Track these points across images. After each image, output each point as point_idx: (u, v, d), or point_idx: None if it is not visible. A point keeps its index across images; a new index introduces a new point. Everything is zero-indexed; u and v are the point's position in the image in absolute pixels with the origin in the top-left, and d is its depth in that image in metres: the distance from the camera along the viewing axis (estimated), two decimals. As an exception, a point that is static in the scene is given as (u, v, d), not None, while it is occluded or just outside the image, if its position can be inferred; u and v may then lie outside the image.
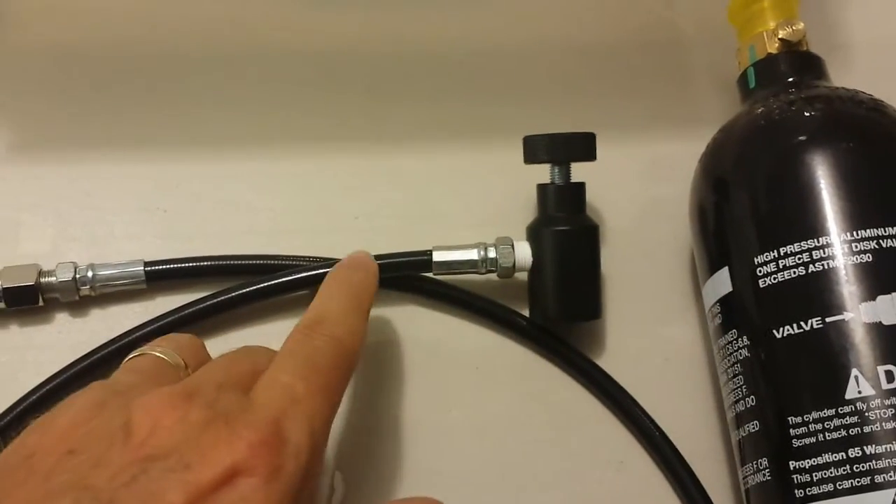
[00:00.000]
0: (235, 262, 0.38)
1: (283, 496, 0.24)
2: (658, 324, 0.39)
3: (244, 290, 0.37)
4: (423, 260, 0.37)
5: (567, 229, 0.36)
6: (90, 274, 0.37)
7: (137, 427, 0.24)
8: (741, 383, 0.33)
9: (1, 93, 0.41)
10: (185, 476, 0.23)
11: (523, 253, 0.37)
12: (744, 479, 0.33)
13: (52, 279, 0.36)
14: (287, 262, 0.37)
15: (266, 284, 0.37)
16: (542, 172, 0.38)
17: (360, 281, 0.33)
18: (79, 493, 0.23)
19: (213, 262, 0.38)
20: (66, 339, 0.37)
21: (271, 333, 0.37)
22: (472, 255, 0.37)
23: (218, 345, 0.35)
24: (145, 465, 0.23)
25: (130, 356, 0.30)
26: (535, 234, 0.37)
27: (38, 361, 0.36)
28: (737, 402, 0.33)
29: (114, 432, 0.24)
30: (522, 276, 0.38)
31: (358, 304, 0.32)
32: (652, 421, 0.37)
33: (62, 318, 0.37)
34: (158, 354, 0.29)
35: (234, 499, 0.23)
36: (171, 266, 0.37)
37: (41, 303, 0.36)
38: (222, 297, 0.37)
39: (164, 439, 0.24)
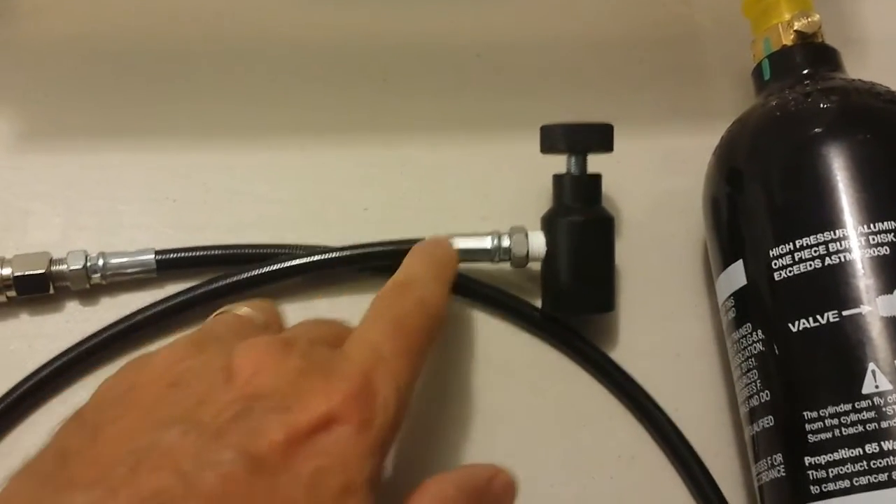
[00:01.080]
0: (246, 251, 0.37)
1: (371, 446, 0.25)
2: (670, 318, 0.38)
3: (248, 275, 0.36)
4: None
5: (582, 220, 0.36)
6: (101, 262, 0.36)
7: (239, 369, 0.25)
8: (755, 378, 0.32)
9: (13, 82, 0.40)
10: (285, 417, 0.24)
11: (537, 242, 0.36)
12: (757, 475, 0.32)
13: (63, 267, 0.35)
14: (296, 252, 0.37)
15: (274, 268, 0.36)
16: (555, 167, 0.37)
17: (442, 255, 0.34)
18: (186, 426, 0.23)
19: (223, 251, 0.37)
20: (76, 327, 0.36)
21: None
22: (486, 243, 0.36)
23: None
24: (248, 403, 0.24)
25: (216, 313, 0.31)
26: (549, 224, 0.36)
27: (49, 350, 0.35)
28: (750, 396, 0.32)
29: (215, 372, 0.25)
30: (535, 266, 0.37)
31: (443, 273, 0.32)
32: (665, 415, 0.36)
33: (72, 307, 0.37)
34: (242, 313, 0.31)
35: (328, 444, 0.24)
36: (182, 255, 0.36)
37: (52, 291, 0.36)
38: (232, 279, 0.36)
39: (265, 382, 0.25)
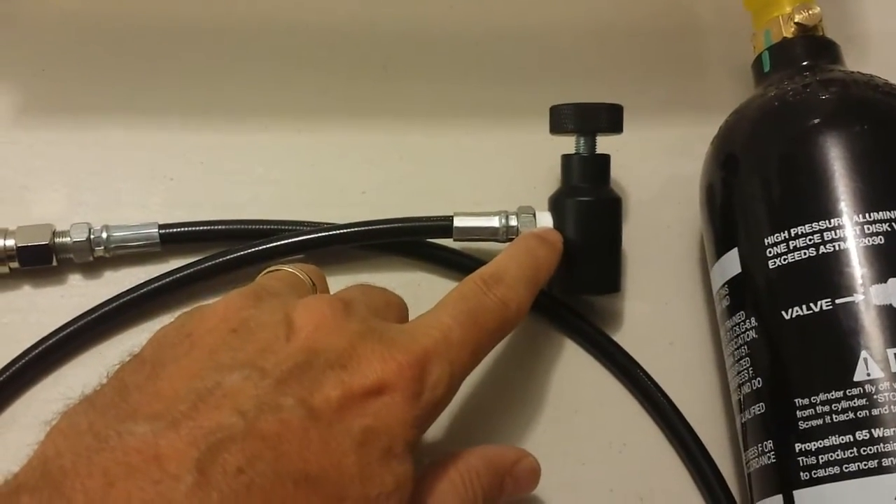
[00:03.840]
0: (250, 226, 0.36)
1: (416, 420, 0.25)
2: (664, 306, 0.37)
3: (252, 250, 0.35)
4: (443, 225, 0.35)
5: (591, 200, 0.35)
6: (105, 235, 0.35)
7: (300, 323, 0.25)
8: (748, 365, 0.31)
9: (12, 58, 0.40)
10: (341, 375, 0.24)
11: (545, 222, 0.35)
12: (747, 462, 0.32)
13: (67, 239, 0.35)
14: (301, 229, 0.36)
15: (274, 245, 0.35)
16: (552, 153, 0.36)
17: (544, 256, 0.33)
18: (248, 371, 0.24)
19: (227, 227, 0.36)
20: (78, 301, 0.35)
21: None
22: (494, 222, 0.35)
23: None
24: (308, 356, 0.24)
25: (267, 270, 0.31)
26: (557, 204, 0.35)
27: (54, 323, 0.34)
28: (743, 384, 0.32)
29: (276, 324, 0.25)
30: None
31: (535, 277, 0.32)
32: (668, 399, 0.35)
33: (75, 280, 0.36)
34: (293, 271, 0.31)
35: (378, 407, 0.24)
36: (186, 229, 0.36)
37: (55, 263, 0.35)
38: (237, 254, 0.35)
39: (324, 339, 0.25)
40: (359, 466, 0.23)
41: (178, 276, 0.35)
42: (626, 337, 0.37)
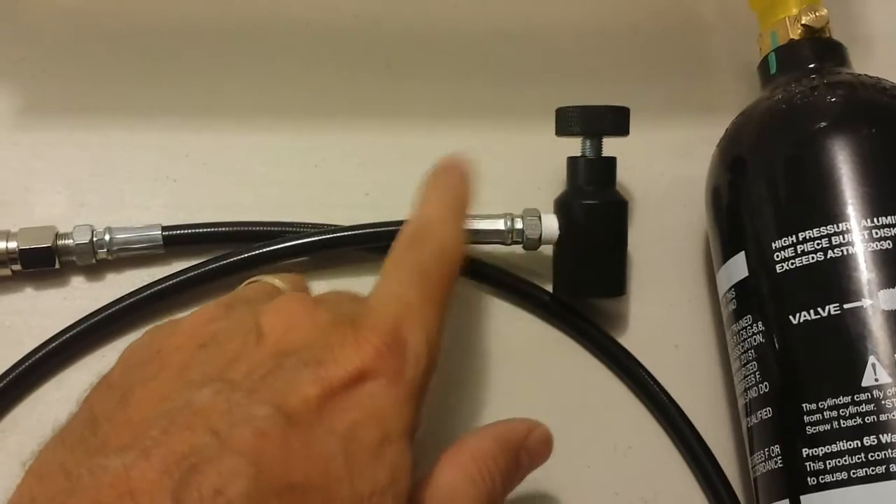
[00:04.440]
0: (253, 228, 0.36)
1: (406, 396, 0.24)
2: (669, 309, 0.37)
3: (256, 252, 0.35)
4: None
5: (597, 203, 0.35)
6: (107, 237, 0.35)
7: (269, 327, 0.25)
8: (755, 369, 0.31)
9: (13, 58, 0.39)
10: (318, 371, 0.23)
11: (550, 225, 0.35)
12: (753, 467, 0.31)
13: (69, 241, 0.35)
14: (305, 231, 0.36)
15: (277, 247, 0.35)
16: (557, 155, 0.36)
17: (457, 186, 0.31)
18: (218, 385, 0.23)
19: (231, 228, 0.36)
20: (81, 304, 0.35)
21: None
22: (499, 224, 0.35)
23: None
24: (280, 359, 0.24)
25: (247, 282, 0.30)
26: (563, 206, 0.35)
27: (56, 326, 0.34)
28: (749, 388, 0.31)
29: (246, 332, 0.25)
30: (547, 250, 0.36)
31: (458, 208, 0.30)
32: (673, 402, 0.35)
33: (78, 282, 0.36)
34: (272, 282, 0.30)
35: (362, 397, 0.23)
36: (189, 231, 0.36)
37: (57, 265, 0.35)
38: (241, 256, 0.35)
39: (296, 338, 0.24)
40: (347, 467, 0.22)
41: (181, 278, 0.35)
42: (632, 340, 0.36)
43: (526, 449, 0.28)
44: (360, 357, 0.24)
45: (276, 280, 0.30)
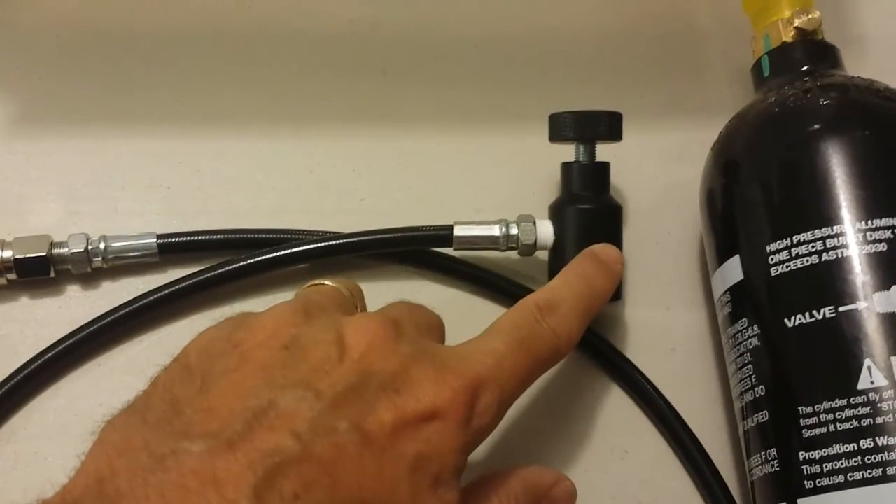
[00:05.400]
0: (248, 235, 0.36)
1: (464, 447, 0.25)
2: (665, 313, 0.37)
3: (253, 260, 0.35)
4: (443, 234, 0.35)
5: (591, 208, 0.35)
6: (102, 245, 0.35)
7: (352, 343, 0.25)
8: (750, 373, 0.31)
9: (7, 65, 0.39)
10: (395, 399, 0.24)
11: (545, 231, 0.35)
12: (750, 470, 0.31)
13: (65, 250, 0.34)
14: (299, 238, 0.36)
15: (275, 255, 0.35)
16: (552, 159, 0.36)
17: (600, 286, 0.32)
18: (303, 391, 0.23)
19: (225, 236, 0.36)
20: (76, 312, 0.35)
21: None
22: (494, 230, 0.35)
23: (221, 316, 0.33)
24: (361, 378, 0.24)
25: (310, 283, 0.31)
26: (558, 212, 0.35)
27: (52, 335, 0.34)
28: (745, 392, 0.31)
29: (328, 343, 0.25)
30: (543, 255, 0.36)
31: (589, 308, 0.31)
32: (669, 405, 0.35)
33: (73, 291, 0.36)
34: (336, 285, 0.30)
35: (430, 433, 0.24)
36: (184, 239, 0.35)
37: (52, 274, 0.35)
38: (240, 264, 0.35)
39: (377, 360, 0.25)
40: (411, 493, 0.23)
41: (177, 287, 0.35)
42: (628, 344, 0.36)
43: (549, 498, 0.28)
44: (436, 395, 0.24)
45: (339, 286, 0.30)
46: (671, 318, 0.37)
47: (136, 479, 0.21)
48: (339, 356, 0.25)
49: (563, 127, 0.35)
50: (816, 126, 0.32)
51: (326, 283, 0.30)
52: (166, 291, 0.35)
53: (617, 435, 0.35)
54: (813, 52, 0.35)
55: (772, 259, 0.31)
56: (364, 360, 0.25)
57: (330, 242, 0.35)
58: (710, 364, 0.36)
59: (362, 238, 0.35)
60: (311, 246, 0.35)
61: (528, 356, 0.28)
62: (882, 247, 0.29)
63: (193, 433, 0.22)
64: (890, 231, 0.29)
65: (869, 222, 0.30)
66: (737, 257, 0.32)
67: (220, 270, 0.35)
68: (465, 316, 0.35)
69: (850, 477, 0.28)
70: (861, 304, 0.29)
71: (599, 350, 0.36)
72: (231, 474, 0.21)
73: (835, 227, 0.30)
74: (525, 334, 0.28)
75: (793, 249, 0.30)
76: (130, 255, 0.35)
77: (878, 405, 0.28)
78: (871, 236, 0.29)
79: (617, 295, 0.35)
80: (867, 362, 0.28)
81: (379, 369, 0.25)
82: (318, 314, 0.27)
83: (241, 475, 0.21)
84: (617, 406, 0.36)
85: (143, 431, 0.23)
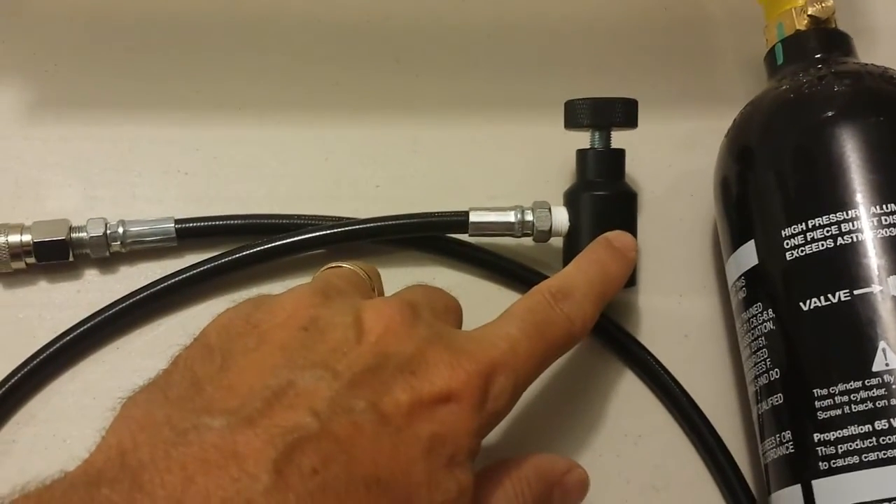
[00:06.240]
0: (265, 221, 0.36)
1: (478, 430, 0.25)
2: (678, 299, 0.37)
3: (270, 245, 0.35)
4: (459, 220, 0.35)
5: (606, 194, 0.35)
6: (121, 230, 0.35)
7: (370, 326, 0.25)
8: (765, 356, 0.31)
9: (24, 53, 0.39)
10: (411, 381, 0.24)
11: (560, 217, 0.35)
12: (764, 453, 0.31)
13: (83, 234, 0.35)
14: (315, 223, 0.36)
15: (292, 240, 0.35)
16: (563, 147, 0.36)
17: (615, 272, 0.32)
18: (322, 371, 0.24)
19: (242, 221, 0.36)
20: (96, 297, 0.35)
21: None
22: (510, 217, 0.35)
23: (239, 301, 0.33)
24: (379, 359, 0.24)
25: (328, 266, 0.31)
26: (573, 198, 0.35)
27: (70, 319, 0.34)
28: (760, 375, 0.31)
29: (346, 325, 0.25)
30: (557, 242, 0.36)
31: (603, 293, 0.31)
32: (683, 390, 0.35)
33: (91, 275, 0.36)
34: (354, 268, 0.30)
35: (444, 415, 0.24)
36: (202, 224, 0.36)
37: (71, 258, 0.35)
38: (258, 248, 0.35)
39: (394, 343, 0.25)
40: (427, 473, 0.23)
41: (195, 271, 0.35)
42: (641, 329, 0.36)
43: (561, 486, 0.29)
44: (450, 379, 0.25)
45: (356, 268, 0.30)
46: (684, 305, 0.37)
47: (157, 451, 0.21)
48: (356, 338, 0.25)
49: (579, 114, 0.35)
50: (832, 112, 0.32)
51: (345, 265, 0.30)
52: (184, 276, 0.35)
53: (630, 420, 0.35)
54: (827, 39, 0.35)
55: (787, 244, 0.31)
56: (381, 343, 0.25)
57: (346, 228, 0.35)
58: (723, 350, 0.36)
59: (378, 223, 0.35)
60: (328, 231, 0.35)
61: (543, 341, 0.28)
62: (896, 231, 0.29)
63: (214, 409, 0.23)
64: (904, 215, 0.30)
65: (884, 207, 0.30)
66: (751, 242, 0.32)
67: (237, 255, 0.35)
68: (480, 302, 0.35)
69: (866, 458, 0.28)
70: (876, 288, 0.29)
71: (613, 336, 0.36)
72: (251, 449, 0.21)
73: (850, 212, 0.30)
74: (539, 319, 0.28)
75: (808, 234, 0.30)
76: (148, 239, 0.35)
77: (893, 387, 0.28)
78: (885, 220, 0.29)
79: (631, 281, 0.35)
80: (882, 345, 0.28)
81: (395, 351, 0.25)
82: (336, 297, 0.27)
83: (261, 450, 0.21)
84: (630, 391, 0.36)
85: (164, 407, 0.23)
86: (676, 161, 0.39)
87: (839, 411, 0.28)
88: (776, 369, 0.31)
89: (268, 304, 0.26)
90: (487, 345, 0.26)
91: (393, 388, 0.24)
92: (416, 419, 0.24)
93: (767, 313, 0.31)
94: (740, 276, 0.33)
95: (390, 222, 0.35)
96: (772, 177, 0.32)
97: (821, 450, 0.29)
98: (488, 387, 0.25)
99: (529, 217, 0.35)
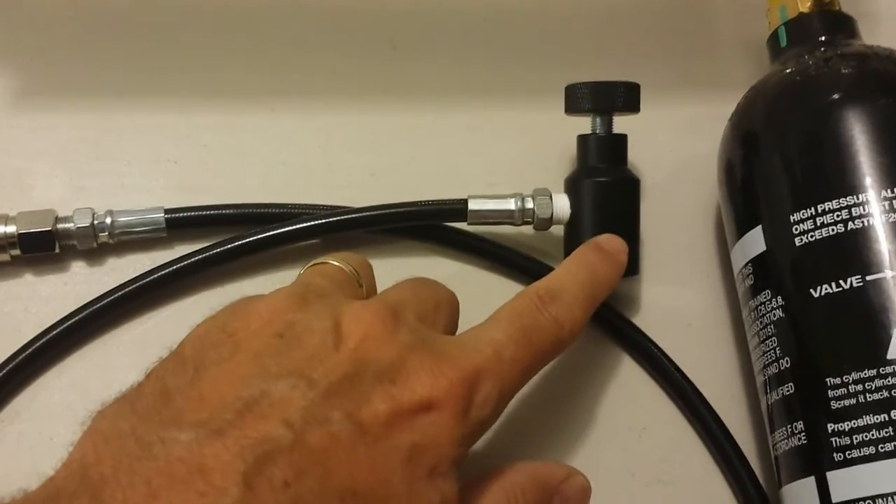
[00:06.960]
0: (257, 210, 0.35)
1: (462, 439, 0.24)
2: (682, 288, 0.36)
3: (263, 235, 0.34)
4: (457, 208, 0.34)
5: (608, 181, 0.34)
6: (109, 220, 0.34)
7: (348, 332, 0.24)
8: (774, 345, 0.30)
9: (10, 39, 0.38)
10: (390, 389, 0.24)
11: (562, 204, 0.34)
12: (774, 445, 0.30)
13: (70, 225, 0.33)
14: (309, 212, 0.35)
15: (285, 230, 0.34)
16: (561, 134, 0.35)
17: (604, 274, 0.31)
18: (296, 380, 0.23)
19: (235, 211, 0.35)
20: (83, 289, 0.34)
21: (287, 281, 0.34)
22: (510, 204, 0.34)
23: (231, 292, 0.33)
24: (357, 367, 0.24)
25: (313, 263, 0.29)
26: (574, 185, 0.34)
27: (57, 312, 0.33)
28: (769, 364, 0.30)
29: (324, 331, 0.24)
30: (558, 230, 0.35)
31: (593, 296, 0.30)
32: (688, 381, 0.34)
33: (78, 267, 0.35)
34: (340, 265, 0.29)
35: (426, 424, 0.23)
36: (192, 213, 0.34)
37: (57, 250, 0.33)
38: (251, 238, 0.34)
39: (373, 350, 0.24)
40: (406, 484, 0.23)
41: (185, 262, 0.34)
42: (645, 319, 0.35)
43: (560, 494, 0.27)
44: (432, 386, 0.24)
45: (340, 263, 0.29)
46: (687, 294, 0.36)
47: (121, 465, 0.21)
48: (334, 344, 0.24)
49: (580, 98, 0.34)
50: (839, 94, 0.31)
51: (330, 262, 0.29)
52: (174, 267, 0.34)
53: (635, 412, 0.34)
54: (831, 22, 0.34)
55: (796, 229, 0.30)
56: (360, 349, 0.24)
57: (341, 217, 0.34)
58: (728, 339, 0.35)
59: (374, 212, 0.34)
60: (322, 221, 0.34)
61: (530, 346, 0.27)
62: (907, 215, 0.29)
63: (183, 421, 0.22)
64: (916, 199, 0.29)
65: (893, 190, 0.29)
66: (758, 228, 0.31)
67: (229, 246, 0.34)
68: (479, 292, 0.35)
69: (882, 448, 0.27)
70: (889, 273, 0.28)
71: (616, 326, 0.35)
72: (219, 462, 0.20)
73: (860, 196, 0.29)
74: (527, 323, 0.27)
75: (818, 219, 0.29)
76: (137, 230, 0.34)
77: (909, 375, 0.27)
78: (895, 204, 0.29)
79: (633, 269, 0.34)
80: (896, 331, 0.27)
81: (375, 358, 0.24)
82: (316, 300, 0.26)
83: (230, 463, 0.20)
84: (634, 382, 0.35)
85: (131, 419, 0.22)
86: (678, 147, 0.38)
87: (853, 400, 0.28)
88: (786, 358, 0.30)
89: (245, 311, 0.25)
90: (471, 350, 0.25)
91: (371, 397, 0.23)
92: (395, 429, 0.23)
93: (776, 301, 0.30)
94: (747, 263, 0.32)
95: (387, 211, 0.34)
96: (778, 161, 0.31)
97: (835, 440, 0.28)
98: (472, 394, 0.25)
99: (530, 204, 0.34)
